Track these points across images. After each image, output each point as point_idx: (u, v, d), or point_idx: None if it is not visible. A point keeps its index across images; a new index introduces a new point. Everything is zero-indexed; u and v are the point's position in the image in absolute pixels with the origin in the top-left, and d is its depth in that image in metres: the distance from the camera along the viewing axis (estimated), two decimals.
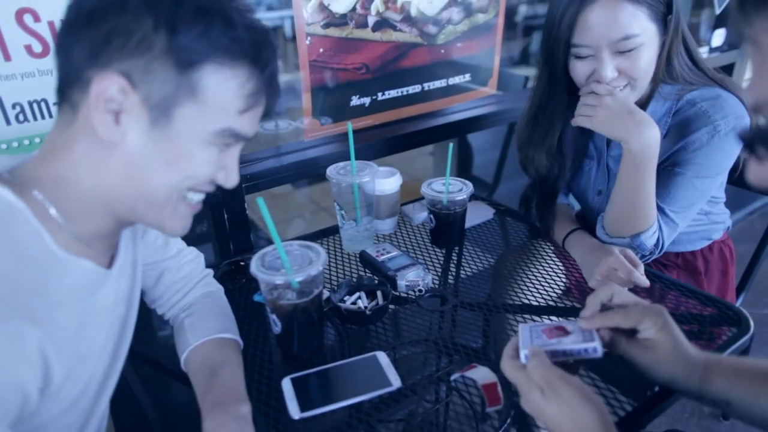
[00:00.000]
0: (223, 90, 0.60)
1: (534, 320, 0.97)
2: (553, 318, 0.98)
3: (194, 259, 0.95)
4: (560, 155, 1.20)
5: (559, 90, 1.12)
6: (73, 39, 0.58)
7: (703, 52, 2.36)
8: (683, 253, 1.27)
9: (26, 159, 0.66)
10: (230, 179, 0.68)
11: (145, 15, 0.56)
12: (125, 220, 0.68)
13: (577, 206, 1.36)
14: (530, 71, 2.11)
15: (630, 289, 1.00)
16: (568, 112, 1.12)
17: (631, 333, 0.72)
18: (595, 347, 0.67)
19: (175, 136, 0.60)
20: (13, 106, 1.00)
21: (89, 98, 0.57)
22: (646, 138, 0.98)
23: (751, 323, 0.94)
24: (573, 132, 1.18)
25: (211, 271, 0.98)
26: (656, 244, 1.07)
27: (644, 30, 0.98)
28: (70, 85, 0.59)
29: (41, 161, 0.63)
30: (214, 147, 0.63)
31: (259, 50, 0.62)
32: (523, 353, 0.67)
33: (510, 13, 1.78)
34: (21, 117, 1.02)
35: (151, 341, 1.52)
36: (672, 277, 1.19)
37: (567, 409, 0.61)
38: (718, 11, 2.31)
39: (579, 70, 1.05)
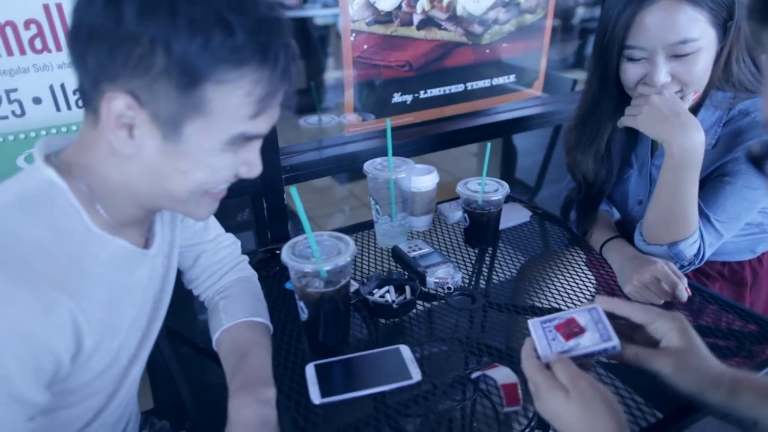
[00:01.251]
0: (229, 101, 0.59)
1: None
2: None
3: (231, 244, 0.99)
4: (608, 160, 1.18)
5: (609, 93, 1.10)
6: (82, 47, 0.58)
7: None
8: (730, 263, 1.22)
9: (70, 142, 0.70)
10: (253, 171, 0.69)
11: (141, 32, 0.54)
12: (154, 209, 0.72)
13: (616, 214, 1.33)
14: (580, 75, 2.07)
15: (667, 303, 0.98)
16: (616, 116, 1.10)
17: (653, 343, 0.70)
18: (615, 345, 0.66)
19: (187, 149, 0.61)
20: (74, 92, 1.07)
21: (102, 112, 0.59)
22: (691, 140, 0.95)
23: None
24: (621, 137, 1.16)
25: (246, 258, 1.02)
26: (696, 254, 1.04)
27: (703, 35, 0.95)
28: (89, 92, 0.60)
29: (78, 150, 0.66)
30: (228, 152, 0.64)
31: (266, 49, 0.59)
32: (542, 354, 0.67)
33: (563, 15, 1.75)
34: (81, 102, 1.08)
35: (192, 324, 1.60)
36: (713, 290, 1.15)
37: (588, 412, 0.60)
38: None
39: (630, 72, 1.02)
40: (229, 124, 0.61)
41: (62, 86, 1.05)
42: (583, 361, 0.67)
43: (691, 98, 1.02)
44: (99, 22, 0.55)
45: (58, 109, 1.06)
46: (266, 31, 0.58)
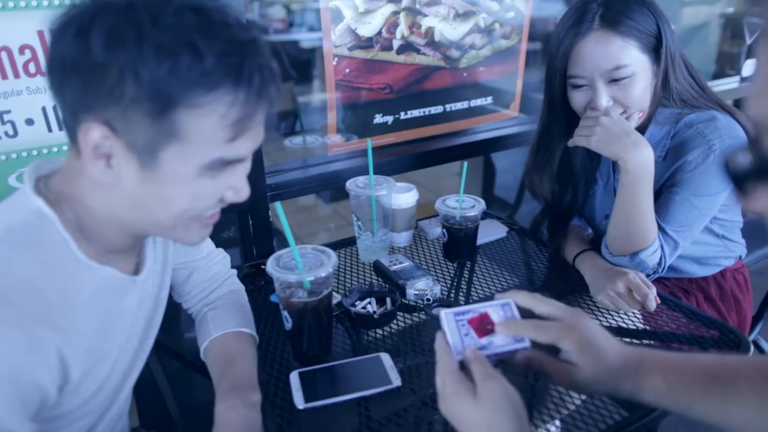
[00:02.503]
0: (204, 125, 0.59)
1: None
2: None
3: (222, 260, 1.03)
4: (572, 181, 1.26)
5: (558, 117, 1.21)
6: (58, 79, 0.59)
7: (733, 81, 2.37)
8: (697, 279, 1.28)
9: (60, 165, 0.70)
10: (240, 195, 0.68)
11: (109, 62, 0.55)
12: (143, 236, 0.73)
13: (589, 230, 1.39)
14: None
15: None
16: (566, 138, 1.19)
17: (553, 351, 0.67)
18: (526, 346, 0.66)
19: (165, 176, 0.61)
20: None
21: (80, 142, 0.59)
22: (642, 157, 1.03)
23: (752, 347, 0.95)
24: (582, 158, 1.25)
25: (234, 272, 1.06)
26: (659, 263, 1.10)
27: (635, 60, 1.05)
28: (68, 123, 0.61)
29: (64, 179, 0.67)
30: (206, 177, 0.63)
31: (239, 71, 0.58)
32: (457, 358, 0.64)
33: (539, 37, 1.83)
34: None
35: (179, 339, 1.62)
36: (682, 300, 1.21)
37: (496, 416, 0.58)
38: (749, 41, 2.31)
39: (576, 99, 1.12)
40: (205, 149, 0.60)
41: (54, 108, 1.09)
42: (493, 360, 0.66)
43: (636, 117, 1.11)
44: (70, 54, 0.56)
45: (50, 130, 1.10)
46: (238, 53, 0.58)
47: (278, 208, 0.85)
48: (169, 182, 0.62)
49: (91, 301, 0.66)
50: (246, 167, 0.68)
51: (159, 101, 0.56)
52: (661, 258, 1.09)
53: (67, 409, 0.66)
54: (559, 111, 1.19)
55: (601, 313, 1.07)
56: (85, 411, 0.70)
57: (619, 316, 1.06)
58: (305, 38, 3.54)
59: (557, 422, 0.90)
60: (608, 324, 1.04)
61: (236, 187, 0.67)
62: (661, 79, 1.10)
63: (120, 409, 0.82)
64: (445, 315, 0.68)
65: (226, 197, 0.68)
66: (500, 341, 0.66)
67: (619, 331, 1.02)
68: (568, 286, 1.16)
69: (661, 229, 1.09)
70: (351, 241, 1.36)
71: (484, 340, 0.66)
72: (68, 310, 0.62)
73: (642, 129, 1.13)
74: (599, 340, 0.65)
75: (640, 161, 1.03)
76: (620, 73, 1.05)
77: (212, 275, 1.00)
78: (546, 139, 1.26)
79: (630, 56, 1.05)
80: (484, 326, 0.67)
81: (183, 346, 1.59)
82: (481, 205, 1.23)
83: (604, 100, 1.07)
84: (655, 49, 1.07)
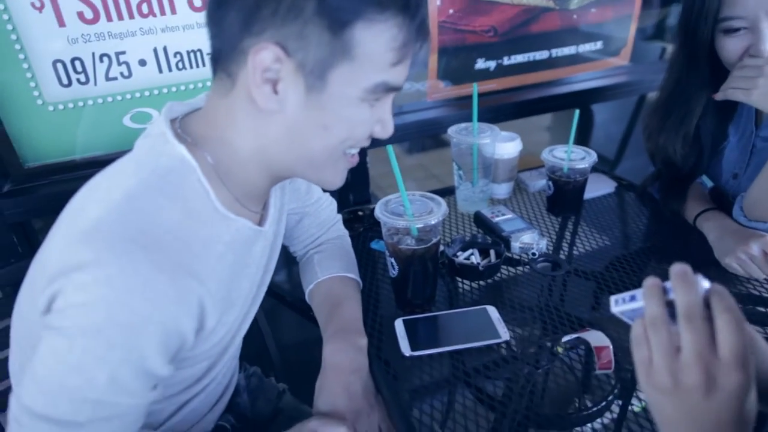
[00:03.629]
0: (375, 45, 0.59)
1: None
2: None
3: (330, 204, 1.02)
4: (696, 144, 1.11)
5: (700, 73, 1.03)
6: (223, 10, 0.58)
7: None
8: None
9: (192, 107, 0.70)
10: (387, 130, 0.68)
11: None
12: (282, 177, 0.72)
13: (709, 183, 1.27)
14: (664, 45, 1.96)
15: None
16: (709, 96, 1.04)
17: None
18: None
19: (330, 100, 0.60)
20: (175, 55, 1.12)
21: (247, 69, 0.58)
22: None
23: None
24: (713, 117, 1.09)
25: (340, 217, 1.05)
26: None
27: None
28: (226, 55, 0.60)
29: (207, 123, 0.66)
30: (366, 104, 0.63)
31: None
32: (702, 285, 0.46)
33: None
34: (180, 65, 1.14)
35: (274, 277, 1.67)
36: None
37: (722, 420, 0.44)
38: None
39: (731, 47, 0.95)
40: (372, 71, 0.60)
41: (164, 49, 1.11)
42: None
43: None
44: None
45: (160, 71, 1.12)
46: None
47: (390, 151, 0.83)
48: (332, 107, 0.61)
49: (226, 252, 0.66)
50: (391, 100, 0.68)
51: (340, 14, 0.56)
52: None
53: (197, 353, 0.68)
54: (702, 62, 1.01)
55: (724, 279, 0.98)
56: (210, 354, 0.72)
57: (750, 283, 0.96)
58: None
59: None
60: (736, 291, 0.95)
61: (384, 121, 0.67)
62: None
63: (235, 349, 0.84)
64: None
65: (375, 131, 0.68)
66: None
67: (749, 299, 0.93)
68: (684, 248, 1.07)
69: None
70: (448, 191, 1.31)
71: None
72: (208, 260, 0.62)
73: None
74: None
75: None
76: None
77: (322, 220, 0.99)
78: (682, 96, 1.08)
79: None
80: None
81: (279, 282, 1.64)
82: (591, 157, 1.15)
83: None
84: None
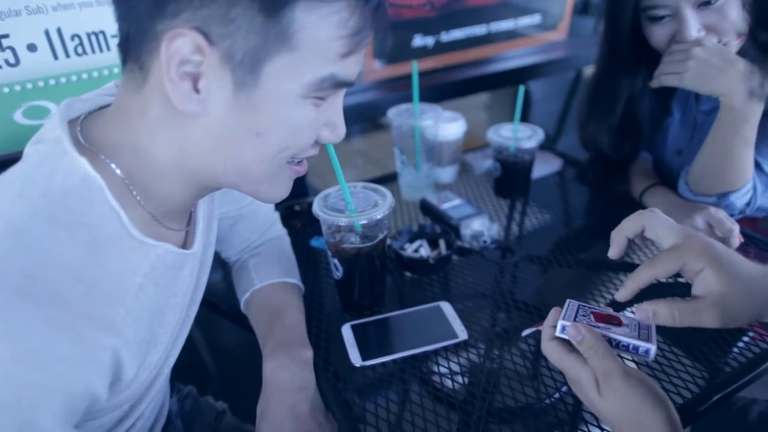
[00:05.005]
0: (320, 31, 0.48)
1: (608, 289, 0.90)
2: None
3: (266, 204, 0.89)
4: (630, 129, 1.09)
5: (623, 58, 1.01)
6: None
7: None
8: None
9: (96, 105, 0.57)
10: (337, 134, 0.57)
11: None
12: (211, 189, 0.60)
13: (649, 159, 1.25)
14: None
15: None
16: (634, 83, 1.02)
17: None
18: (649, 349, 0.54)
19: (264, 99, 0.49)
20: (72, 38, 0.97)
21: (160, 60, 0.46)
22: (754, 90, 0.85)
23: None
24: (650, 101, 1.06)
25: (278, 215, 0.94)
26: (748, 203, 0.97)
27: None
28: (136, 42, 0.48)
29: (115, 126, 0.53)
30: (309, 102, 0.51)
31: None
32: (561, 324, 0.56)
33: None
34: (80, 49, 0.99)
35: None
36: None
37: (627, 408, 0.51)
38: None
39: (657, 35, 0.93)
40: (317, 63, 0.49)
41: (59, 31, 0.96)
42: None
43: (735, 44, 0.91)
44: None
45: (55, 57, 0.97)
46: None
47: (328, 144, 0.73)
48: (267, 107, 0.49)
49: (146, 285, 0.54)
50: (342, 98, 0.57)
51: None
52: (751, 198, 0.96)
53: (114, 402, 0.56)
54: (625, 50, 0.99)
55: None
56: (131, 397, 0.60)
57: None
58: None
59: None
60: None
61: (334, 123, 0.56)
62: None
63: (164, 380, 0.72)
64: (570, 302, 0.60)
65: (322, 136, 0.56)
66: (621, 332, 0.56)
67: None
68: None
69: (757, 166, 0.94)
70: (390, 178, 1.24)
71: (601, 325, 0.56)
72: (123, 300, 0.51)
73: (743, 54, 0.92)
74: (729, 254, 0.55)
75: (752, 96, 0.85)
76: None
77: (259, 222, 0.88)
78: (607, 85, 1.06)
79: None
80: (608, 320, 0.57)
81: (213, 289, 1.52)
82: (538, 135, 1.10)
83: (693, 30, 0.87)
84: None
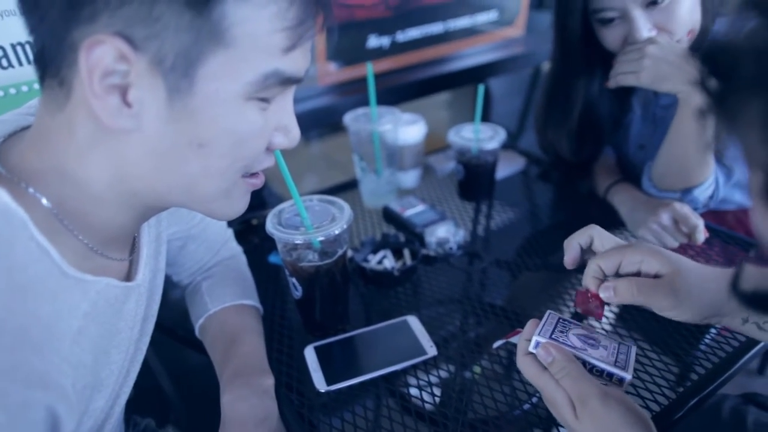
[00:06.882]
0: (256, 25, 0.43)
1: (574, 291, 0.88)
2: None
3: (218, 221, 0.84)
4: (593, 133, 1.07)
5: (575, 60, 1.00)
6: None
7: None
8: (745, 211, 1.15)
9: (18, 126, 0.51)
10: (291, 138, 0.52)
11: None
12: (156, 210, 0.54)
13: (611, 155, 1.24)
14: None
15: (682, 246, 0.91)
16: (590, 85, 1.01)
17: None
18: (624, 378, 0.54)
19: (202, 105, 0.44)
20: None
21: (81, 73, 0.41)
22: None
23: None
24: (608, 101, 1.05)
25: (232, 232, 0.88)
26: (711, 196, 0.97)
27: None
28: (52, 54, 0.43)
29: (36, 151, 0.47)
30: (254, 105, 0.46)
31: None
32: (534, 339, 0.55)
33: None
34: (5, 62, 0.91)
35: (162, 307, 1.47)
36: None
37: (604, 430, 0.49)
38: None
39: (609, 37, 0.92)
40: (257, 59, 0.44)
41: None
42: None
43: (686, 39, 0.91)
44: None
45: None
46: None
47: (277, 154, 0.68)
48: (207, 114, 0.44)
49: (87, 326, 0.49)
50: (291, 97, 0.52)
51: None
52: (714, 191, 0.95)
53: None
54: (577, 53, 0.98)
55: None
56: None
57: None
58: None
59: None
60: None
61: (286, 126, 0.51)
62: None
63: (116, 419, 0.63)
64: (550, 314, 0.60)
65: (274, 142, 0.51)
66: (597, 355, 0.55)
67: None
68: (599, 223, 1.03)
69: (717, 160, 0.94)
70: (351, 185, 1.19)
71: (578, 345, 0.55)
72: (56, 348, 0.45)
73: (696, 49, 0.92)
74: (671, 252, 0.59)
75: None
76: None
77: (211, 242, 0.82)
78: (561, 88, 1.05)
79: None
80: (586, 339, 0.57)
81: (168, 312, 1.45)
82: (500, 135, 1.07)
83: (644, 30, 0.87)
84: None
